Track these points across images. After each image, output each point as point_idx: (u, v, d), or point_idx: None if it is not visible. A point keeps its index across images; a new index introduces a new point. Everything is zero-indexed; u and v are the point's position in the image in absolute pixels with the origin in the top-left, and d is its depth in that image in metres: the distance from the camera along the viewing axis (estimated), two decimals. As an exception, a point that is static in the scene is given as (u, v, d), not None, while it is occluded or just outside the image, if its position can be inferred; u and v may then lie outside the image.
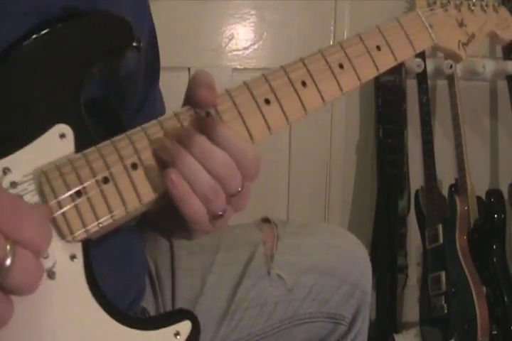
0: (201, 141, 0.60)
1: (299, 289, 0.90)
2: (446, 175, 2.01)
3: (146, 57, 0.80)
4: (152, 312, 0.85)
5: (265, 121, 0.66)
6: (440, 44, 0.80)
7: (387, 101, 1.94)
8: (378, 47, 0.74)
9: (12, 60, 0.60)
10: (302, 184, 1.98)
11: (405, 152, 1.95)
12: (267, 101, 0.66)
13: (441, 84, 2.05)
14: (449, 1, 0.82)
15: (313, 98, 0.69)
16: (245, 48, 1.86)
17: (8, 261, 0.49)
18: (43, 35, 0.61)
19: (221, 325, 0.87)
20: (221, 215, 0.62)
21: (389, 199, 1.95)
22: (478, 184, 1.94)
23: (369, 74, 0.73)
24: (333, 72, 0.70)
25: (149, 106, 0.84)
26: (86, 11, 0.63)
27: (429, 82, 1.96)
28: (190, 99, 0.64)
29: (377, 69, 0.73)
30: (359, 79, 0.72)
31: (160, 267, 0.90)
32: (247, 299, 0.88)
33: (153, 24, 0.83)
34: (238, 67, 1.85)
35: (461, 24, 0.82)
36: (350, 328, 0.95)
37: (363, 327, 0.97)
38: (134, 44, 0.64)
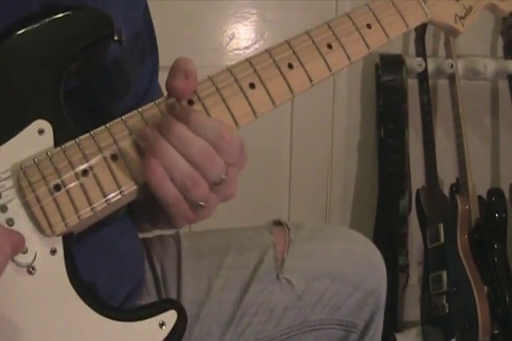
0: (179, 129, 0.59)
1: (309, 295, 0.87)
2: (447, 174, 2.01)
3: (143, 38, 0.79)
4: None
5: (250, 105, 0.64)
6: (435, 19, 0.77)
7: (388, 101, 1.94)
8: (368, 25, 0.71)
9: None
10: (303, 183, 1.98)
11: (406, 151, 1.95)
12: (252, 85, 0.65)
13: (443, 83, 2.05)
14: (445, -26, 0.79)
15: (300, 79, 0.67)
16: (246, 48, 1.86)
17: None
18: (21, 32, 0.60)
19: (227, 330, 0.85)
20: (203, 205, 0.61)
21: (390, 199, 1.95)
22: (480, 183, 1.93)
23: (359, 52, 0.71)
24: (320, 52, 0.68)
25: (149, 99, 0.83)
26: (67, 7, 0.63)
27: (430, 81, 1.96)
28: (167, 89, 0.63)
29: (368, 47, 0.71)
30: (348, 58, 0.70)
31: (166, 269, 0.88)
32: (255, 304, 0.86)
33: (147, 6, 0.83)
34: (239, 66, 1.85)
35: None
36: (363, 336, 0.92)
37: (376, 333, 0.94)
38: (115, 38, 0.63)
